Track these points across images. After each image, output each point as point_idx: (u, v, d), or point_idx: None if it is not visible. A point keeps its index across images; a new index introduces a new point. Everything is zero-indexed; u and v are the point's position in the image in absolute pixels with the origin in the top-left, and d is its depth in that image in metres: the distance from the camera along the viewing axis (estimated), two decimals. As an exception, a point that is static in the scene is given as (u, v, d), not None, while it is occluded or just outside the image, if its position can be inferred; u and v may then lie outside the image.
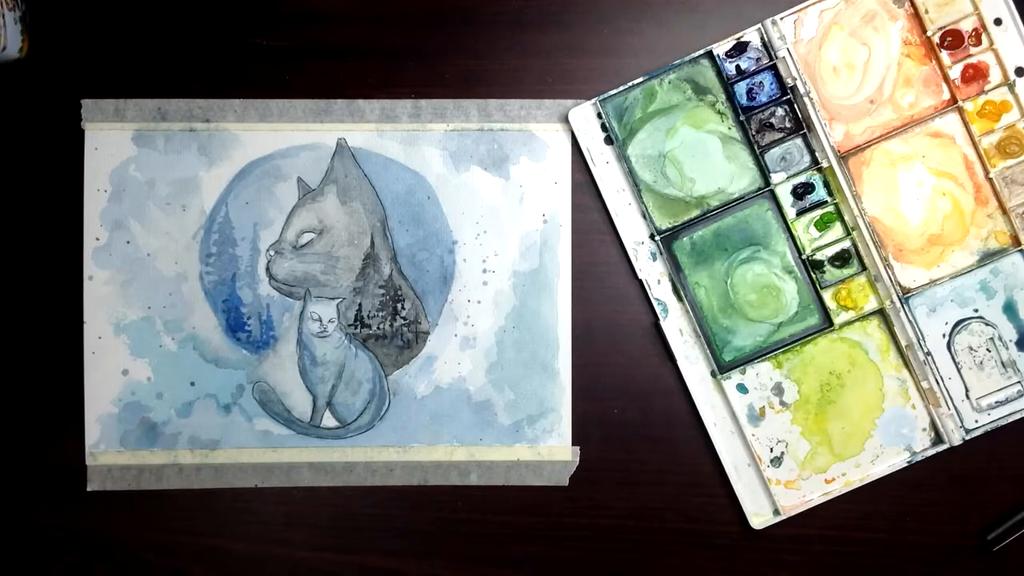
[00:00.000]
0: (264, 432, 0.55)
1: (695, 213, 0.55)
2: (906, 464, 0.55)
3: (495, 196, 0.56)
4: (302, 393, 0.56)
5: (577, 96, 0.55)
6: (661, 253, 0.55)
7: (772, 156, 0.55)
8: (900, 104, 0.55)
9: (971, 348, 0.55)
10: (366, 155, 0.55)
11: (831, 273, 0.55)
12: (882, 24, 0.55)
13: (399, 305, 0.56)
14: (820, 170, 0.55)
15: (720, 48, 0.54)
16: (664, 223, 0.55)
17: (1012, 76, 0.54)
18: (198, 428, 0.55)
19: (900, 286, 0.55)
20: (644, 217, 0.55)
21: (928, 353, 0.55)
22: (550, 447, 0.56)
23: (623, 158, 0.55)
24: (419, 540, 0.56)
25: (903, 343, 0.55)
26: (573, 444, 0.56)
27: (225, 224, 0.55)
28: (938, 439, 0.56)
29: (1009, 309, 0.55)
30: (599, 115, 0.55)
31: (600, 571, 0.56)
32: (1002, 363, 0.55)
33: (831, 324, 0.55)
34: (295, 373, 0.56)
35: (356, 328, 0.56)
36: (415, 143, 0.55)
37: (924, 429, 0.56)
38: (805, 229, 0.56)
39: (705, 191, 0.55)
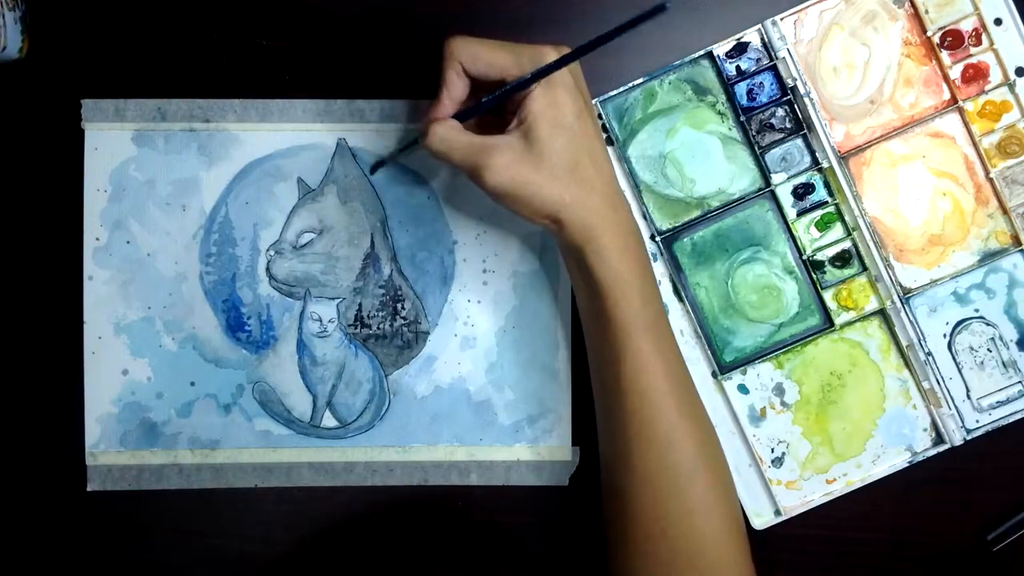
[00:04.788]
0: (264, 432, 0.55)
1: (695, 214, 0.55)
2: (907, 464, 0.55)
3: (495, 196, 0.56)
4: (302, 393, 0.56)
5: (577, 96, 0.55)
6: (662, 254, 0.55)
7: (772, 156, 0.55)
8: (900, 104, 0.55)
9: (972, 348, 0.55)
10: (366, 155, 0.55)
11: (832, 273, 0.55)
12: (882, 24, 0.55)
13: (399, 305, 0.56)
14: (820, 170, 0.55)
15: (720, 48, 0.54)
16: (664, 224, 0.55)
17: (1012, 76, 0.54)
18: (198, 428, 0.55)
19: (901, 286, 0.55)
20: (644, 218, 0.55)
21: (929, 353, 0.55)
22: (550, 447, 0.56)
23: (623, 159, 0.55)
24: (419, 540, 0.56)
25: (904, 343, 0.55)
26: (573, 444, 0.56)
27: (225, 224, 0.55)
28: (939, 439, 0.55)
29: (1010, 309, 0.55)
30: (599, 115, 0.55)
31: (600, 571, 0.56)
32: (1003, 363, 0.55)
33: (832, 324, 0.55)
34: (295, 373, 0.55)
35: (356, 328, 0.56)
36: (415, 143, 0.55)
37: (925, 429, 0.56)
38: (806, 229, 0.55)
39: (705, 192, 0.55)
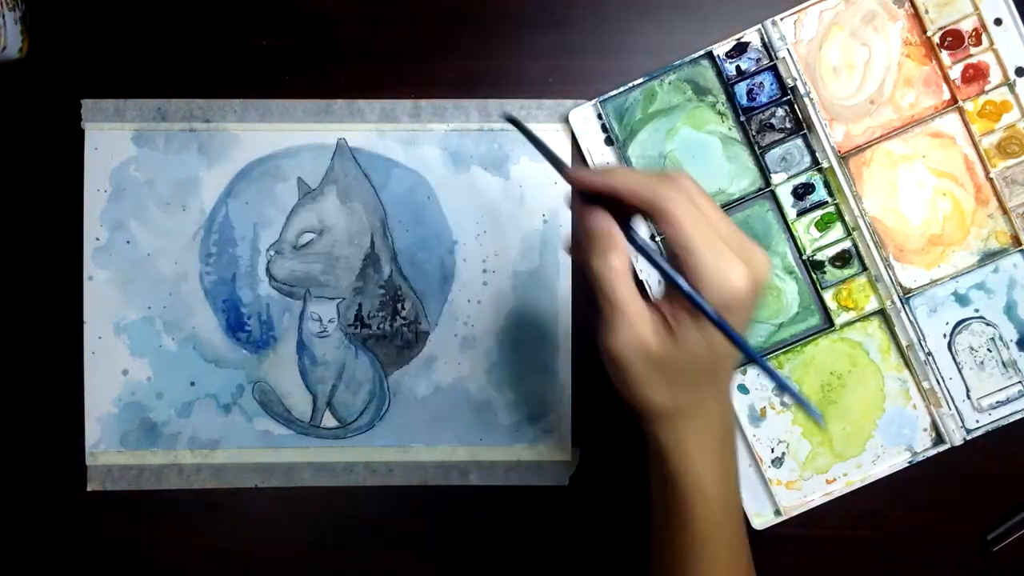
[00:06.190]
0: (264, 432, 0.55)
1: (695, 213, 0.55)
2: (907, 464, 0.55)
3: (495, 196, 0.56)
4: (302, 393, 0.56)
5: (577, 96, 0.55)
6: (662, 254, 0.55)
7: (772, 157, 0.55)
8: (900, 104, 0.55)
9: (972, 348, 0.55)
10: (366, 155, 0.55)
11: (832, 273, 0.55)
12: (882, 24, 0.55)
13: (399, 305, 0.56)
14: (820, 170, 0.55)
15: (720, 48, 0.54)
16: (664, 223, 0.55)
17: (1012, 76, 0.54)
18: (198, 428, 0.55)
19: (901, 286, 0.55)
20: (645, 218, 0.55)
21: (929, 353, 0.55)
22: (550, 447, 0.56)
23: (624, 159, 0.55)
24: (419, 540, 0.56)
25: (904, 343, 0.55)
26: (573, 444, 0.56)
27: (225, 224, 0.55)
28: (939, 439, 0.55)
29: (1010, 309, 0.55)
30: (599, 116, 0.55)
31: (600, 572, 0.56)
32: (1003, 363, 0.55)
33: (832, 324, 0.55)
34: (295, 373, 0.55)
35: (356, 328, 0.56)
36: (415, 143, 0.55)
37: (925, 429, 0.56)
38: (806, 229, 0.55)
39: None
